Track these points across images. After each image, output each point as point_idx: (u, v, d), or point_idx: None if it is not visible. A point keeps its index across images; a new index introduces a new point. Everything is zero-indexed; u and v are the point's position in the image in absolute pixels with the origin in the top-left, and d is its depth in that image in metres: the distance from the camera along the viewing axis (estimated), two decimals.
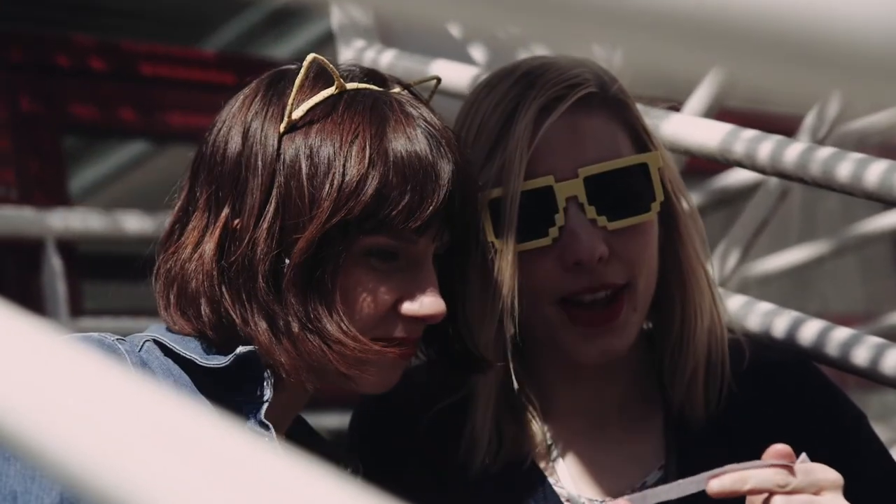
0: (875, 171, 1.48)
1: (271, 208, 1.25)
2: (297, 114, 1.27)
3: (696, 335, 1.46)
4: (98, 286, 4.04)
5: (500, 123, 1.40)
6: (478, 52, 2.18)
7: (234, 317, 1.26)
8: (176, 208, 1.32)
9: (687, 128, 1.66)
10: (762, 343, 1.60)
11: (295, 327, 1.25)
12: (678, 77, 1.64)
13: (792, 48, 0.45)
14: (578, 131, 1.40)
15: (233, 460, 0.53)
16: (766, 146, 1.57)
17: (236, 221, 1.27)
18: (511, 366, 1.42)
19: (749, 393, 1.48)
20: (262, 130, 1.28)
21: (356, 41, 2.16)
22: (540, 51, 2.13)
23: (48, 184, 4.03)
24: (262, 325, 1.25)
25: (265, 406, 1.26)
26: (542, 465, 1.46)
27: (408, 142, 1.26)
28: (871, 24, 0.43)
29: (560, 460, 1.47)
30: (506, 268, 1.39)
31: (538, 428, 1.47)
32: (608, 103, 1.42)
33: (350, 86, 1.30)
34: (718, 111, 2.12)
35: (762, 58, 0.46)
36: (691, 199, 1.51)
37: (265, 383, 1.27)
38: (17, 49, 4.12)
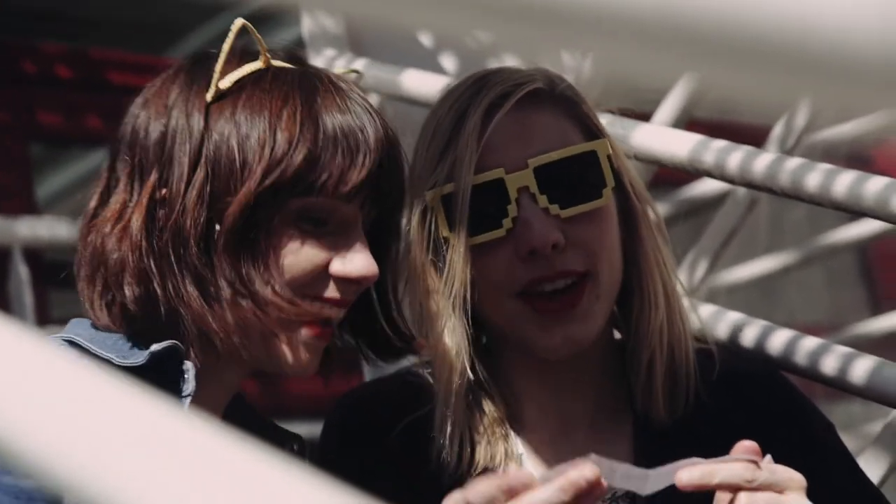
0: (843, 182, 1.49)
1: (201, 174, 1.26)
2: (224, 84, 1.29)
3: (651, 327, 1.47)
4: (65, 294, 4.02)
5: (452, 124, 1.43)
6: (448, 61, 2.18)
7: (164, 289, 1.26)
8: (96, 194, 1.32)
9: (657, 138, 1.67)
10: (732, 352, 1.61)
11: (227, 292, 1.25)
12: (647, 86, 1.64)
13: (760, 55, 0.45)
14: (527, 125, 1.43)
15: (189, 448, 0.53)
16: (735, 156, 1.58)
17: (163, 191, 1.27)
18: (472, 361, 1.44)
19: (719, 401, 1.49)
20: (188, 102, 1.29)
21: (326, 50, 2.16)
22: (509, 60, 2.13)
23: (15, 192, 4.01)
24: (194, 292, 1.25)
25: (188, 401, 1.26)
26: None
27: (338, 109, 1.29)
28: (844, 29, 0.44)
29: (529, 469, 1.47)
30: (458, 261, 1.41)
31: (507, 437, 1.47)
32: (556, 98, 1.45)
33: (276, 63, 1.33)
34: (686, 122, 2.13)
35: (730, 65, 0.46)
36: (654, 205, 1.52)
37: (186, 376, 1.27)
38: None
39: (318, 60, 2.16)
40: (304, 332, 1.29)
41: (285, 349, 1.29)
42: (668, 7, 0.46)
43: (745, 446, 1.26)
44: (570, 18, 0.48)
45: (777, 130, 2.29)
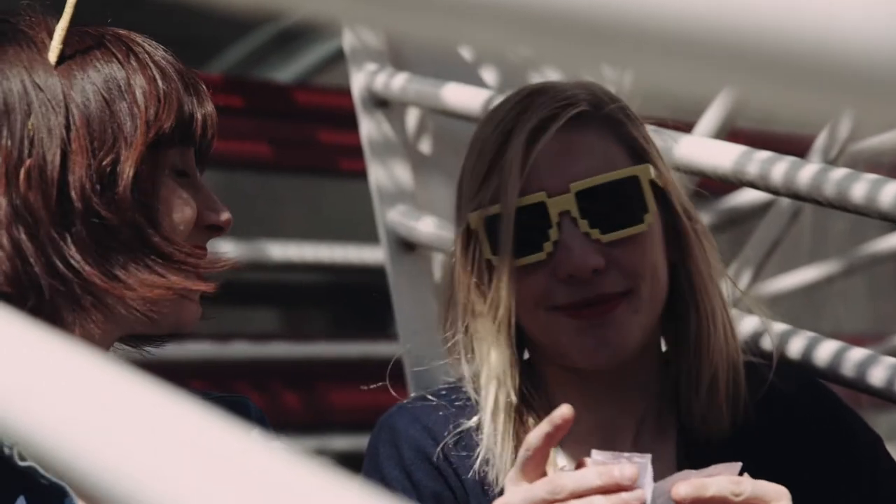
0: (889, 192, 1.48)
1: (79, 141, 1.21)
2: (64, 49, 1.25)
3: (712, 347, 1.47)
4: None
5: (496, 146, 1.43)
6: (489, 75, 2.18)
7: (50, 270, 1.20)
8: None
9: (700, 149, 1.66)
10: (776, 365, 1.60)
11: (133, 259, 1.22)
12: (688, 98, 1.64)
13: (803, 68, 0.45)
14: (570, 148, 1.43)
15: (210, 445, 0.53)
16: (779, 167, 1.57)
17: (28, 162, 1.20)
18: (517, 380, 1.44)
19: (762, 416, 1.48)
20: (22, 67, 1.24)
21: (368, 64, 2.16)
22: (551, 73, 2.13)
23: None
24: (92, 265, 1.21)
25: None
26: None
27: (174, 59, 1.29)
28: (883, 42, 0.43)
29: None
30: (503, 285, 1.42)
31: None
32: (601, 120, 1.45)
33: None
34: (728, 132, 2.12)
35: (772, 78, 0.46)
36: (699, 216, 1.52)
37: None
38: None
39: (359, 75, 2.16)
40: (200, 285, 1.26)
41: (188, 305, 1.27)
42: (707, 21, 0.46)
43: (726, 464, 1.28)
44: (609, 34, 0.48)
45: (820, 140, 2.28)
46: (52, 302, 1.22)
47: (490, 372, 1.43)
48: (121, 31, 1.30)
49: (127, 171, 1.22)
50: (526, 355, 1.51)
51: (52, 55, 1.25)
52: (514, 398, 1.44)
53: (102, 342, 1.27)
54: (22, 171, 1.21)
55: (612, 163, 1.44)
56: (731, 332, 1.49)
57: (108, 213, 1.22)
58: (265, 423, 1.41)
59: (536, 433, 1.27)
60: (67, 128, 1.22)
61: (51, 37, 1.26)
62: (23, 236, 1.20)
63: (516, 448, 1.45)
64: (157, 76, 1.26)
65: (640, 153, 1.46)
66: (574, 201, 1.41)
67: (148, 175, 1.25)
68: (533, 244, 1.42)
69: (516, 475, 1.29)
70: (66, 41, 1.26)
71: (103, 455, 0.55)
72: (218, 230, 1.31)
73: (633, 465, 1.26)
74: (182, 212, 1.27)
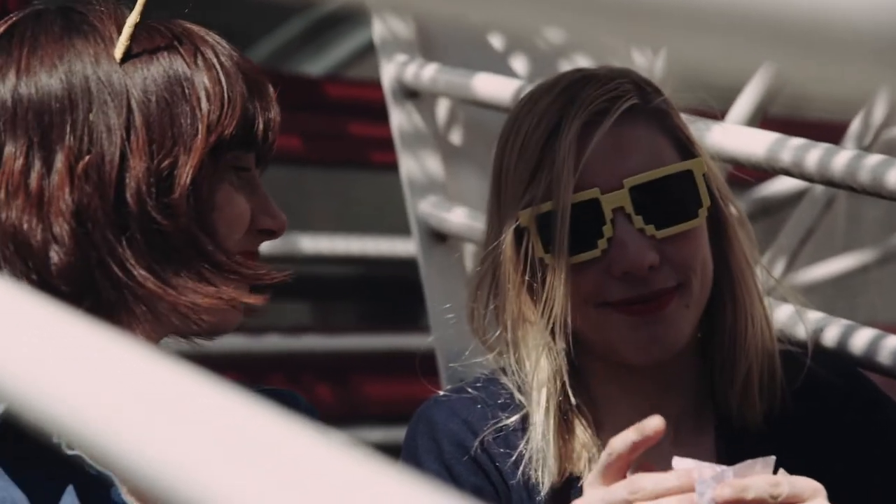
0: None
1: (140, 138, 1.19)
2: (131, 46, 1.22)
3: (748, 340, 1.46)
4: None
5: (544, 139, 1.40)
6: (519, 64, 2.17)
7: (108, 274, 1.18)
8: None
9: (733, 137, 1.65)
10: (813, 354, 1.59)
11: (188, 269, 1.20)
12: (721, 82, 1.63)
13: (835, 48, 0.44)
14: (622, 143, 1.41)
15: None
16: (813, 154, 1.56)
17: (87, 158, 1.18)
18: (566, 381, 1.43)
19: (802, 407, 1.48)
20: (88, 59, 1.20)
21: (398, 55, 2.15)
22: (581, 61, 2.12)
23: None
24: (147, 270, 1.19)
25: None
26: None
27: (242, 59, 1.26)
28: None
29: None
30: (558, 284, 1.39)
31: (592, 448, 1.47)
32: (650, 113, 1.43)
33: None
34: (761, 119, 2.11)
35: (806, 59, 0.46)
36: (739, 206, 1.51)
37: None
38: None
39: (389, 66, 2.16)
40: (249, 297, 1.24)
41: (232, 313, 1.25)
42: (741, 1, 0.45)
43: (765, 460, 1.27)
44: (642, 13, 0.47)
45: (854, 127, 2.26)
46: (106, 303, 1.20)
47: (541, 377, 1.42)
48: (192, 28, 1.27)
49: (184, 176, 1.19)
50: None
51: (119, 51, 1.21)
52: (561, 401, 1.43)
53: (149, 340, 1.26)
54: (80, 167, 1.18)
55: (660, 156, 1.42)
56: (766, 322, 1.48)
57: (163, 217, 1.19)
58: (315, 417, 1.41)
59: (622, 440, 1.26)
60: (128, 127, 1.19)
61: (119, 31, 1.23)
62: (82, 239, 1.19)
63: (560, 447, 1.45)
64: (223, 78, 1.23)
65: (686, 145, 1.45)
66: (628, 197, 1.40)
67: (205, 180, 1.22)
68: (587, 241, 1.40)
69: (595, 478, 1.28)
70: (135, 37, 1.22)
71: (154, 446, 0.55)
72: (271, 234, 1.29)
73: (711, 470, 1.26)
74: (236, 217, 1.25)
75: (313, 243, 3.52)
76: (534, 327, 1.42)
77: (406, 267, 2.58)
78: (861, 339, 1.59)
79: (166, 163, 1.20)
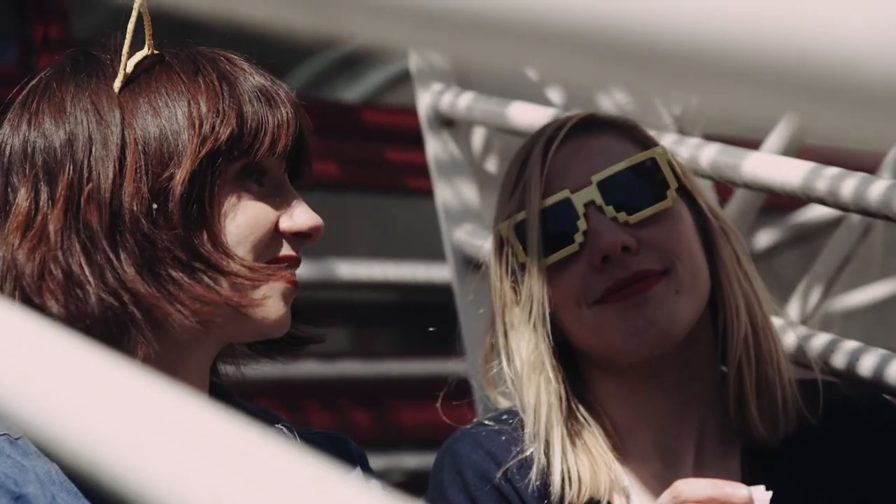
0: None
1: (132, 161, 1.24)
2: (129, 69, 1.29)
3: (735, 337, 1.49)
4: None
5: (519, 164, 1.53)
6: (555, 94, 2.18)
7: (103, 285, 1.22)
8: None
9: (768, 166, 1.65)
10: (838, 378, 1.60)
11: (182, 272, 1.23)
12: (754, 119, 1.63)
13: (869, 94, 0.45)
14: (587, 147, 1.51)
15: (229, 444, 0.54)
16: (849, 184, 1.56)
17: (89, 186, 1.25)
18: (569, 397, 1.48)
19: (827, 430, 1.49)
20: (92, 99, 1.28)
21: (434, 84, 2.17)
22: (616, 92, 2.13)
23: None
24: (142, 278, 1.23)
25: None
26: None
27: (246, 72, 1.30)
28: None
29: (636, 502, 1.48)
30: (535, 282, 1.47)
31: (610, 468, 1.48)
32: (613, 123, 1.54)
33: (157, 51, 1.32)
34: (797, 149, 2.11)
35: (838, 104, 0.46)
36: (728, 222, 1.56)
37: None
38: None
39: (425, 95, 2.17)
40: (271, 288, 1.27)
41: (258, 310, 1.27)
42: (771, 48, 0.46)
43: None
44: (672, 63, 0.48)
45: (891, 156, 2.25)
46: (106, 324, 1.23)
47: (530, 364, 1.46)
48: (199, 49, 1.33)
49: (178, 187, 1.24)
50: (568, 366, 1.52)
51: (117, 82, 1.28)
52: (556, 385, 1.47)
53: (192, 358, 1.29)
54: (83, 197, 1.25)
55: (625, 155, 1.51)
56: (766, 332, 1.51)
57: (157, 228, 1.24)
58: (365, 463, 1.42)
59: (695, 489, 1.27)
60: (122, 151, 1.25)
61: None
62: (80, 259, 1.23)
63: (578, 471, 1.45)
64: (224, 91, 1.28)
65: (649, 145, 1.54)
66: (597, 191, 1.48)
67: (205, 188, 1.26)
68: (565, 239, 1.47)
69: None
70: (138, 65, 1.29)
71: (197, 494, 0.55)
72: (302, 237, 1.31)
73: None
74: (248, 222, 1.28)
75: (351, 269, 3.53)
76: (518, 328, 1.48)
77: (442, 293, 2.59)
78: None
79: (163, 177, 1.25)
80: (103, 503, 1.20)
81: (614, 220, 1.47)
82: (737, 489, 1.27)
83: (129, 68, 1.29)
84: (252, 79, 1.30)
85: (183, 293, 1.24)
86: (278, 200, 1.31)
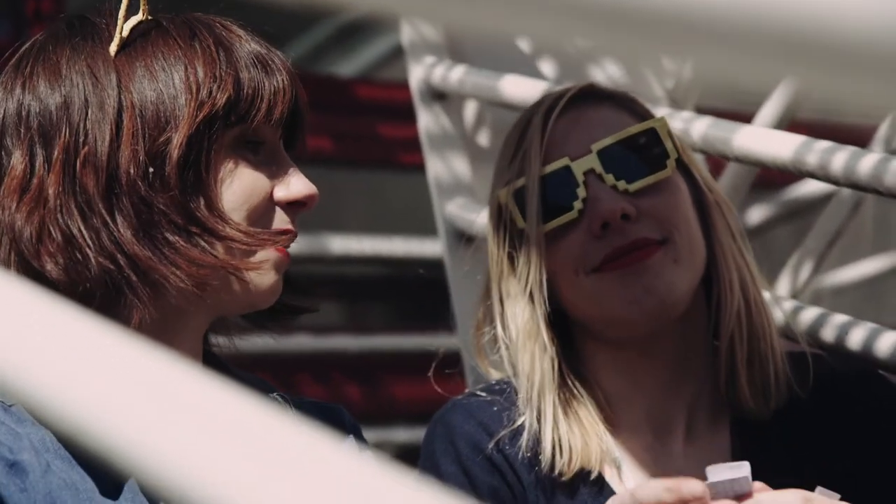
0: None
1: (129, 125, 1.25)
2: (125, 32, 1.28)
3: (728, 310, 1.49)
4: None
5: (518, 132, 1.53)
6: (547, 67, 2.18)
7: (99, 247, 1.23)
8: None
9: (759, 139, 1.65)
10: (829, 352, 1.60)
11: (179, 235, 1.24)
12: (749, 88, 1.63)
13: (865, 59, 0.45)
14: (587, 118, 1.52)
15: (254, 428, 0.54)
16: (840, 157, 1.56)
17: (85, 149, 1.25)
18: (563, 367, 1.48)
19: (817, 403, 1.50)
20: (88, 63, 1.28)
21: (426, 57, 2.16)
22: (609, 65, 2.13)
23: None
24: (139, 241, 1.23)
25: None
26: (609, 477, 1.48)
27: (242, 39, 1.30)
28: None
29: (627, 473, 1.48)
30: (533, 247, 1.47)
31: (602, 438, 1.48)
32: (612, 96, 1.55)
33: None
34: (789, 123, 2.11)
35: (835, 69, 0.46)
36: (722, 195, 1.57)
37: None
38: None
39: (417, 68, 2.17)
40: (266, 254, 1.28)
41: (253, 275, 1.27)
42: (768, 10, 0.46)
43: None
44: (670, 24, 0.48)
45: (882, 130, 2.25)
46: (104, 287, 1.24)
47: (525, 332, 1.47)
48: (196, 15, 1.33)
49: (174, 151, 1.24)
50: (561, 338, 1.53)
51: (113, 46, 1.28)
52: (550, 353, 1.47)
53: (188, 325, 1.29)
54: (79, 159, 1.25)
55: (624, 126, 1.52)
56: (758, 306, 1.51)
57: (154, 192, 1.24)
58: (359, 433, 1.42)
59: (652, 493, 1.24)
60: (119, 115, 1.25)
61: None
62: (78, 222, 1.24)
63: (569, 440, 1.46)
64: (220, 57, 1.28)
65: (648, 118, 1.54)
66: (597, 159, 1.49)
67: (202, 153, 1.26)
68: (563, 206, 1.48)
69: None
70: (134, 29, 1.29)
71: (192, 462, 0.55)
72: (296, 205, 1.31)
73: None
74: (244, 190, 1.28)
75: (343, 243, 3.53)
76: (513, 293, 1.48)
77: (433, 267, 2.59)
78: (887, 342, 1.59)
79: (160, 141, 1.25)
80: (96, 471, 1.21)
81: (614, 189, 1.47)
82: (689, 484, 1.24)
83: (125, 32, 1.28)
84: (248, 45, 1.30)
85: (179, 256, 1.24)
86: (274, 169, 1.31)
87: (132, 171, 1.24)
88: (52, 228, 1.24)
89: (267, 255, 1.28)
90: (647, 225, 1.46)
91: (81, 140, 1.25)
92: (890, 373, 1.58)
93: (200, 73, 1.27)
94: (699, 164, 1.56)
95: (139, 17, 1.30)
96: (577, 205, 1.47)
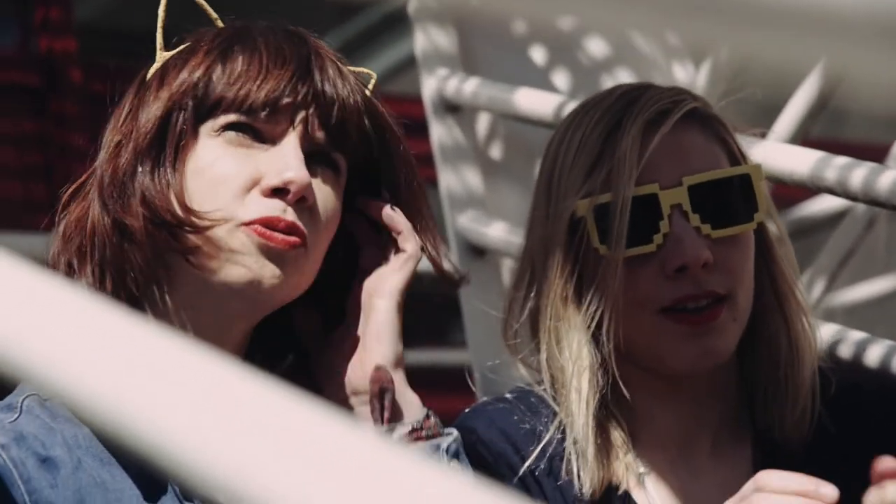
0: None
1: (124, 115, 1.30)
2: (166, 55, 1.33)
3: (796, 356, 1.47)
4: None
5: (604, 136, 1.43)
6: (560, 79, 2.17)
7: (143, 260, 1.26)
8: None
9: (777, 155, 1.64)
10: (849, 371, 1.59)
11: (144, 178, 1.27)
12: (767, 83, 1.62)
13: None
14: (681, 143, 1.44)
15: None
16: (858, 173, 1.55)
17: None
18: (606, 378, 1.43)
19: (838, 421, 1.48)
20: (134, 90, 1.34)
21: (439, 69, 2.16)
22: (623, 75, 2.12)
23: None
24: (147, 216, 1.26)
25: None
26: (634, 492, 1.47)
27: (249, 36, 1.31)
28: None
29: (652, 489, 1.47)
30: (611, 276, 1.40)
31: (629, 457, 1.47)
32: (706, 120, 1.46)
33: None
34: (802, 139, 2.10)
35: (868, 52, 0.45)
36: (780, 224, 1.52)
37: None
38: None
39: (430, 79, 2.16)
40: (239, 239, 1.26)
41: (239, 259, 1.25)
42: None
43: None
44: (700, 7, 0.47)
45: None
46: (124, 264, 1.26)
47: (581, 364, 1.42)
48: (234, 25, 1.36)
49: (148, 127, 1.28)
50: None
51: (151, 70, 1.33)
52: (598, 402, 1.43)
53: (222, 310, 1.28)
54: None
55: (717, 162, 1.45)
56: (812, 338, 1.48)
57: (142, 174, 1.27)
58: None
59: (781, 483, 1.25)
60: (126, 115, 1.31)
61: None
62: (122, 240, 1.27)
63: (598, 446, 1.44)
64: (218, 48, 1.30)
65: (737, 155, 1.47)
66: (686, 195, 1.41)
67: (188, 143, 1.27)
68: (642, 236, 1.41)
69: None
70: (176, 45, 1.34)
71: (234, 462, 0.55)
72: (283, 192, 1.26)
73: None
74: (219, 177, 1.26)
75: None
76: (576, 319, 1.42)
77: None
78: None
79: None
80: (135, 468, 1.21)
81: (697, 230, 1.41)
82: (827, 487, 1.24)
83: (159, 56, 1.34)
84: (264, 39, 1.31)
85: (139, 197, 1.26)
86: (269, 158, 1.28)
87: (120, 165, 1.29)
88: (102, 234, 1.28)
89: (240, 239, 1.25)
90: (717, 277, 1.41)
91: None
92: None
93: (190, 62, 1.30)
94: (765, 191, 1.48)
95: (159, 42, 1.36)
96: (658, 239, 1.40)
